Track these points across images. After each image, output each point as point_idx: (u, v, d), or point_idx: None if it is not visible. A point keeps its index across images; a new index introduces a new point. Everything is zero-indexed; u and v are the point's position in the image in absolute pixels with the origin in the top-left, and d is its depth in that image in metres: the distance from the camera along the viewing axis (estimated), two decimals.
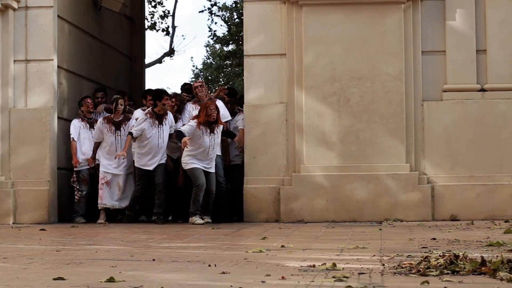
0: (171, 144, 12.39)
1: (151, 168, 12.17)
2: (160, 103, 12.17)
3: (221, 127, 11.90)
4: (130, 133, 12.12)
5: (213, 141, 11.75)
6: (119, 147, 12.45)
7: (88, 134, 12.86)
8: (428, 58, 12.20)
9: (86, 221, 12.65)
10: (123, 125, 12.62)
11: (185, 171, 11.96)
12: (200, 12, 28.08)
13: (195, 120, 11.75)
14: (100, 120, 12.72)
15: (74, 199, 12.80)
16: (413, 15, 12.14)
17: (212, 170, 11.88)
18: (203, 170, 11.77)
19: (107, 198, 12.51)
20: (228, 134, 12.40)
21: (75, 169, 12.75)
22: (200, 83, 12.85)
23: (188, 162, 11.79)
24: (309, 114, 12.07)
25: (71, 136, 12.76)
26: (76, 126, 12.83)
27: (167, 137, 12.26)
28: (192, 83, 13.26)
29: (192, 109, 12.52)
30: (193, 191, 11.75)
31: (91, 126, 12.90)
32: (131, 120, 12.60)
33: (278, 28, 12.34)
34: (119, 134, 12.59)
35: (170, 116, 12.33)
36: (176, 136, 11.85)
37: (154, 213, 12.19)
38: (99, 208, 12.55)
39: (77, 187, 12.73)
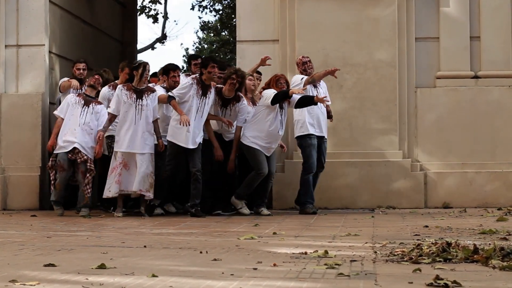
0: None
1: (190, 146, 10.42)
2: (206, 71, 10.59)
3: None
4: (172, 97, 10.47)
5: (283, 118, 10.83)
6: (139, 120, 10.57)
7: (77, 111, 10.78)
8: (422, 45, 12.17)
9: (65, 210, 10.91)
10: (146, 95, 10.65)
11: (242, 154, 10.86)
12: (191, 9, 28.31)
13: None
14: (119, 87, 10.81)
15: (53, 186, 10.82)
16: (407, 2, 12.09)
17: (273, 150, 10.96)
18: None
19: (125, 183, 10.55)
20: (307, 100, 10.68)
21: (54, 152, 10.86)
22: (309, 58, 11.32)
23: (253, 142, 10.67)
24: None
25: (57, 112, 10.97)
26: (70, 103, 10.87)
27: (207, 113, 10.67)
28: (299, 58, 11.37)
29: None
30: (252, 175, 10.68)
31: (87, 104, 10.89)
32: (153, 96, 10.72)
33: (271, 14, 12.28)
34: (140, 103, 10.59)
35: (213, 91, 10.76)
36: (282, 95, 10.52)
37: (190, 205, 10.50)
38: (109, 196, 10.66)
39: (53, 175, 10.82)
